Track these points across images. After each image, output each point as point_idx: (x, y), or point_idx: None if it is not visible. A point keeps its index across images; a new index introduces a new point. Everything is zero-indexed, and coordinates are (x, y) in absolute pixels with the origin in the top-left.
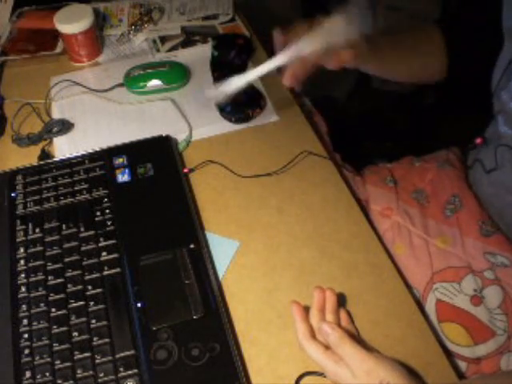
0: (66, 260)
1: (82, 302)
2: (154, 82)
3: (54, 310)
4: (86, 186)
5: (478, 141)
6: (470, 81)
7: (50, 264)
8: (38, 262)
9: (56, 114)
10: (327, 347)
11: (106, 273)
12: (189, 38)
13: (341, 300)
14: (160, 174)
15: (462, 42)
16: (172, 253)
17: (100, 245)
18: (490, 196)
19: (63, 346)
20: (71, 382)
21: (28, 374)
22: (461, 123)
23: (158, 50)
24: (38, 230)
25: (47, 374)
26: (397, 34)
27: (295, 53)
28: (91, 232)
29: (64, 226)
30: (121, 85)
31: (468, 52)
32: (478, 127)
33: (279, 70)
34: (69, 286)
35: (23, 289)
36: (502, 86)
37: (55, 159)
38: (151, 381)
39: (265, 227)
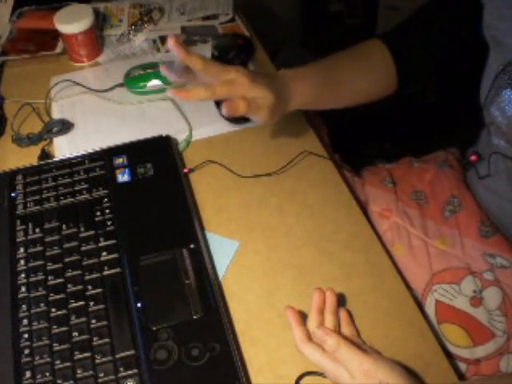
0: (66, 260)
1: (82, 302)
2: (154, 82)
3: (54, 310)
4: (86, 185)
5: (473, 158)
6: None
7: (50, 264)
8: (38, 262)
9: (56, 114)
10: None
11: (106, 273)
12: (189, 38)
13: (341, 300)
14: (160, 174)
15: (408, 52)
16: (172, 253)
17: (100, 245)
18: (484, 200)
19: (63, 346)
20: (71, 382)
21: (28, 373)
22: (460, 124)
23: (158, 50)
24: (38, 230)
25: (47, 373)
26: (334, 58)
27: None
28: (91, 232)
29: (64, 226)
30: (121, 85)
31: (415, 61)
32: (476, 129)
33: None
34: (69, 285)
35: (23, 289)
36: (491, 100)
37: (55, 159)
38: (151, 381)
39: (265, 227)
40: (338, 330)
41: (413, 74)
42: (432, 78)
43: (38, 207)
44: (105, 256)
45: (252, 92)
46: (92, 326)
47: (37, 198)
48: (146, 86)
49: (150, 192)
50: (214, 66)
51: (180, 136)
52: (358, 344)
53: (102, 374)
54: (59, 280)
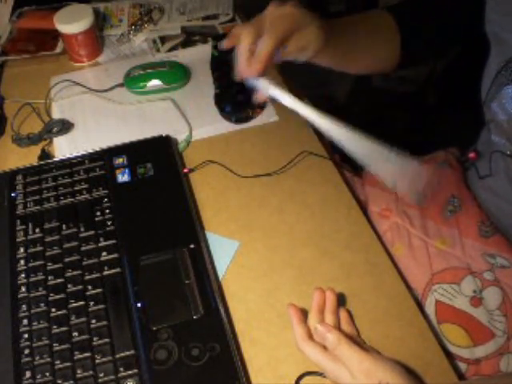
0: (66, 260)
1: (82, 302)
2: (154, 82)
3: (54, 310)
4: (85, 185)
5: (472, 155)
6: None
7: (50, 264)
8: (38, 262)
9: (56, 114)
10: (325, 347)
11: (105, 273)
12: (189, 38)
13: (341, 300)
14: (160, 174)
15: (414, 26)
16: (172, 253)
17: (100, 245)
18: (484, 201)
19: (63, 346)
20: (71, 382)
21: (28, 374)
22: (460, 124)
23: (158, 50)
24: (38, 230)
25: (47, 374)
26: (348, 21)
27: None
28: (91, 232)
29: (64, 226)
30: (121, 85)
31: (420, 38)
32: (476, 129)
33: None
34: (69, 286)
35: (23, 289)
36: (492, 97)
37: (55, 159)
38: (151, 381)
39: (265, 227)
40: (338, 329)
41: (415, 49)
42: (430, 60)
43: (37, 207)
44: (105, 256)
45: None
46: (92, 326)
47: (37, 198)
48: (145, 85)
49: (150, 192)
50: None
51: (180, 136)
52: (359, 343)
53: (102, 374)
54: (59, 280)
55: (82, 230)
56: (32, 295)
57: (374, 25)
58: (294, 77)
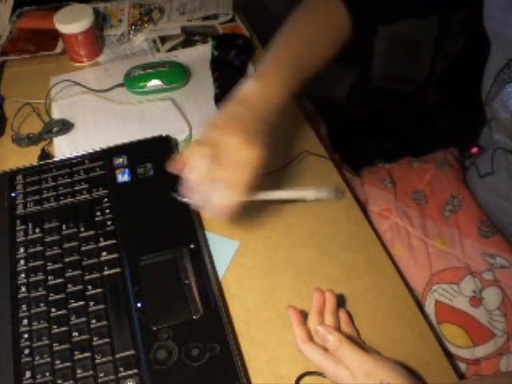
0: (66, 260)
1: (81, 302)
2: (154, 82)
3: (53, 309)
4: (85, 185)
5: (474, 150)
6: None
7: (50, 264)
8: (38, 262)
9: (56, 114)
10: (326, 348)
11: (106, 273)
12: (189, 38)
13: (340, 300)
14: (160, 174)
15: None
16: (172, 253)
17: (100, 245)
18: (484, 200)
19: (63, 346)
20: (71, 382)
21: (28, 373)
22: (460, 124)
23: (158, 50)
24: (38, 230)
25: (47, 374)
26: (292, 38)
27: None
28: (91, 232)
29: (64, 226)
30: (121, 85)
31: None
32: (476, 128)
33: None
34: (69, 286)
35: (23, 289)
36: (493, 95)
37: (55, 159)
38: (151, 381)
39: (265, 227)
40: (338, 331)
41: (364, 11)
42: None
43: (37, 207)
44: (105, 256)
45: None
46: (92, 325)
47: (37, 197)
48: (146, 86)
49: (150, 192)
50: None
51: (180, 136)
52: (359, 344)
53: (102, 374)
54: (59, 280)
55: (82, 230)
56: (32, 295)
57: (315, 13)
58: None
